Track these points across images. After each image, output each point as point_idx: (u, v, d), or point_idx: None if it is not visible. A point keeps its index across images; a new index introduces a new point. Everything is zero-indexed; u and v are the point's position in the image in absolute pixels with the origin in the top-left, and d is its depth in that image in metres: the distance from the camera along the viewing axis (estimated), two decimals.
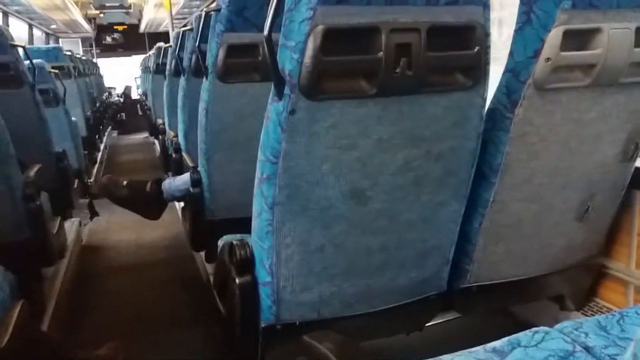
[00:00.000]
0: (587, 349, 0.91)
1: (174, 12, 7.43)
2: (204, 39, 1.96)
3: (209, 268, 2.21)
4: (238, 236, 1.32)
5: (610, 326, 0.98)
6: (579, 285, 1.61)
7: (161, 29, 11.46)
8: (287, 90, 1.02)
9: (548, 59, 1.14)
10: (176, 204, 2.95)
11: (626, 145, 1.35)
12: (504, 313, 1.78)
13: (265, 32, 1.00)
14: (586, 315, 1.62)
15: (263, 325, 1.24)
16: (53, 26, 9.82)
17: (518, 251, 1.41)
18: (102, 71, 10.02)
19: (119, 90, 11.69)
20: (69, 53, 4.67)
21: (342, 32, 0.99)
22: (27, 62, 2.55)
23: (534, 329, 0.95)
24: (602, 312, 1.60)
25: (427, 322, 1.48)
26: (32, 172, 1.90)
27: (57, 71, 3.38)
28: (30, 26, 8.42)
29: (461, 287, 1.41)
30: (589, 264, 1.57)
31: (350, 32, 1.00)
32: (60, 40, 11.39)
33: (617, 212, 1.51)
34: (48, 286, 2.14)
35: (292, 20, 1.00)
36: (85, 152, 3.95)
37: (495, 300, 1.51)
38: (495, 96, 1.24)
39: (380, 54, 1.01)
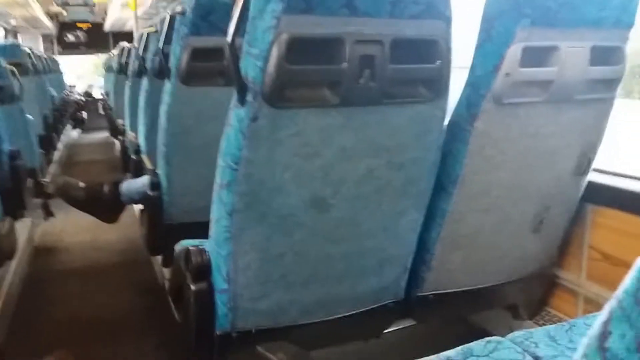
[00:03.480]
0: (537, 358, 0.93)
1: (140, 13, 7.30)
2: (167, 41, 1.93)
3: (166, 273, 2.17)
4: (196, 241, 1.30)
5: (560, 336, 1.00)
6: (532, 295, 1.65)
7: (126, 28, 11.24)
8: (249, 98, 1.01)
9: (507, 74, 1.17)
10: (134, 205, 2.89)
11: (580, 159, 1.40)
12: (460, 321, 1.81)
13: (229, 38, 0.99)
14: (538, 324, 1.66)
15: (218, 333, 1.21)
16: (13, 22, 9.52)
17: (474, 261, 1.43)
18: (64, 69, 9.74)
19: (81, 88, 11.40)
20: (27, 50, 4.53)
21: (306, 41, 0.99)
22: None
23: (486, 338, 0.97)
24: (553, 321, 1.64)
25: (385, 330, 1.48)
26: None
27: (13, 67, 3.27)
28: None
29: (418, 295, 1.42)
30: (542, 275, 1.61)
31: (314, 41, 1.00)
32: (19, 36, 11.03)
33: (569, 224, 1.55)
34: None
35: (256, 28, 0.99)
36: (42, 150, 3.82)
37: (451, 308, 1.52)
38: (455, 109, 1.26)
39: (344, 64, 1.02)
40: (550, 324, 1.36)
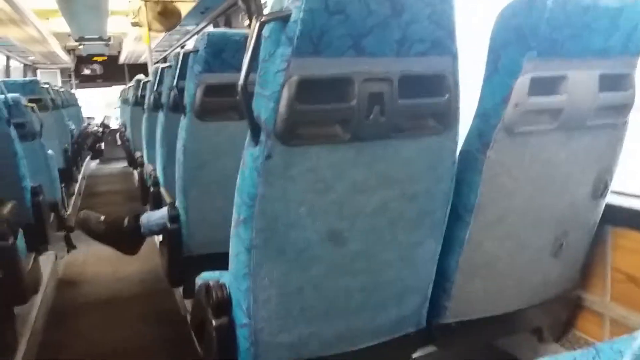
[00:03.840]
0: None
1: (153, 46, 7.47)
2: (182, 76, 1.98)
3: (187, 304, 2.18)
4: (216, 273, 1.32)
5: None
6: (556, 318, 1.63)
7: (141, 60, 11.49)
8: (262, 137, 1.03)
9: (517, 105, 1.18)
10: (155, 236, 2.92)
11: (595, 183, 1.39)
12: (485, 346, 1.79)
13: (241, 81, 1.01)
14: (564, 347, 1.64)
15: None
16: (31, 58, 9.79)
17: (495, 287, 1.43)
18: (81, 101, 9.97)
19: (98, 119, 11.62)
20: (46, 86, 4.64)
21: (315, 82, 1.01)
22: (1, 96, 2.54)
23: None
24: (580, 344, 1.61)
25: (407, 358, 1.48)
26: (6, 210, 1.87)
27: (33, 105, 3.36)
28: (8, 58, 8.36)
29: (440, 324, 1.41)
30: (566, 297, 1.59)
31: (324, 82, 1.02)
32: (38, 71, 11.32)
33: (590, 246, 1.54)
34: (20, 323, 2.09)
35: (267, 71, 1.02)
36: (63, 184, 3.89)
37: (474, 335, 1.51)
38: (467, 139, 1.27)
39: (354, 102, 1.04)
40: (577, 347, 1.33)
